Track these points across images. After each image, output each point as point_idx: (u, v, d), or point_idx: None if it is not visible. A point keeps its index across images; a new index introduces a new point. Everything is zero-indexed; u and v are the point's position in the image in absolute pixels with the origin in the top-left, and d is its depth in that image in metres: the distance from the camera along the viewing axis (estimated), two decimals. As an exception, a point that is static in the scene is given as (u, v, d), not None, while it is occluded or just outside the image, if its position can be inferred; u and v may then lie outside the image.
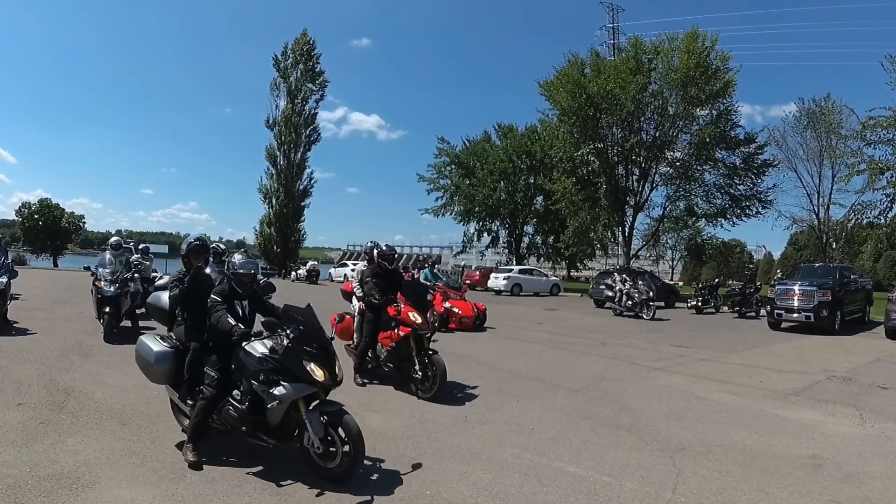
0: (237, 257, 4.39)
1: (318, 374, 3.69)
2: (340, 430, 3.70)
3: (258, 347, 3.89)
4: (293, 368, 3.69)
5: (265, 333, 3.95)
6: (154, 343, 4.34)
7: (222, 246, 9.68)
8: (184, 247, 4.59)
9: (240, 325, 3.97)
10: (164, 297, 4.66)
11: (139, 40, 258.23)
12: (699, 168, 28.42)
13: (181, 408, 4.37)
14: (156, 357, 4.25)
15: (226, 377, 4.00)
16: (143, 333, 4.61)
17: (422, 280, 12.66)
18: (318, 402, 3.79)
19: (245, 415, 3.86)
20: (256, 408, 3.82)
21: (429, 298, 11.92)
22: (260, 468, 3.90)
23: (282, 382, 3.70)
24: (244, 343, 3.94)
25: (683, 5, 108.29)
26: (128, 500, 3.32)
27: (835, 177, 27.71)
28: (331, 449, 3.71)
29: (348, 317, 7.41)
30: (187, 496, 3.41)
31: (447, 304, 12.05)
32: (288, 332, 3.79)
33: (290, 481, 3.71)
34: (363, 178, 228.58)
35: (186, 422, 4.24)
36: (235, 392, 3.98)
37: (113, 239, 9.75)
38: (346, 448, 3.66)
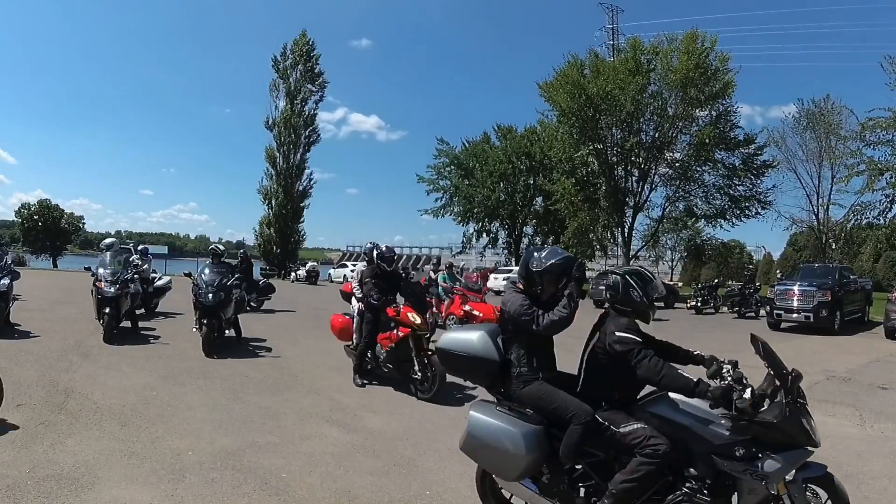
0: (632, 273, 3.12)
1: (816, 432, 2.69)
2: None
3: (695, 404, 2.78)
4: (793, 432, 2.61)
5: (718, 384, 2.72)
6: (507, 421, 2.94)
7: (221, 247, 9.72)
8: (553, 259, 3.08)
9: (701, 379, 2.74)
10: (476, 336, 3.13)
11: (139, 40, 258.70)
12: (698, 169, 28.42)
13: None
14: (527, 443, 2.85)
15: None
16: (479, 403, 3.17)
17: (440, 282, 12.49)
18: None
19: None
20: (718, 492, 2.73)
21: (446, 302, 11.90)
22: (259, 468, 3.90)
23: (770, 454, 2.61)
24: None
25: (683, 6, 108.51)
26: (127, 500, 3.32)
27: (834, 177, 27.75)
28: None
29: (347, 317, 7.41)
30: (186, 497, 3.40)
31: (467, 307, 11.52)
32: (737, 377, 2.73)
33: (289, 481, 3.71)
34: (363, 179, 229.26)
35: None
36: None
37: (106, 240, 9.66)
38: None
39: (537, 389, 2.96)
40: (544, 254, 3.15)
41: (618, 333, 2.86)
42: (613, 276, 3.11)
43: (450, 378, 6.23)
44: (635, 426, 2.79)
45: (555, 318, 2.97)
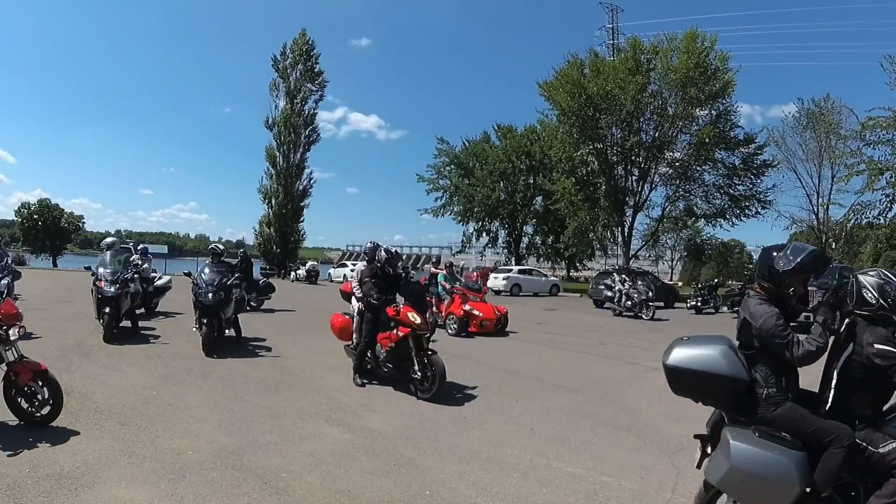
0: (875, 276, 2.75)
1: None
2: None
3: None
4: None
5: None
6: (773, 449, 2.64)
7: (220, 247, 9.70)
8: (801, 256, 2.77)
9: None
10: (720, 352, 2.78)
11: (139, 40, 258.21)
12: (698, 168, 28.47)
13: None
14: (799, 472, 2.59)
15: None
16: (735, 430, 2.76)
17: (440, 280, 12.51)
18: None
19: None
20: None
21: (446, 301, 11.91)
22: (259, 467, 3.90)
23: None
24: None
25: (683, 5, 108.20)
26: (127, 500, 3.31)
27: (834, 177, 27.74)
28: None
29: (347, 317, 7.41)
30: (186, 496, 3.40)
31: (467, 307, 11.52)
32: None
33: (289, 481, 3.72)
34: (363, 179, 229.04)
35: None
36: None
37: (107, 239, 9.67)
38: None
39: (791, 411, 2.70)
40: (789, 251, 2.82)
41: (877, 346, 2.61)
42: (865, 277, 2.78)
43: (450, 378, 6.24)
44: (895, 445, 2.57)
45: (811, 348, 2.66)
